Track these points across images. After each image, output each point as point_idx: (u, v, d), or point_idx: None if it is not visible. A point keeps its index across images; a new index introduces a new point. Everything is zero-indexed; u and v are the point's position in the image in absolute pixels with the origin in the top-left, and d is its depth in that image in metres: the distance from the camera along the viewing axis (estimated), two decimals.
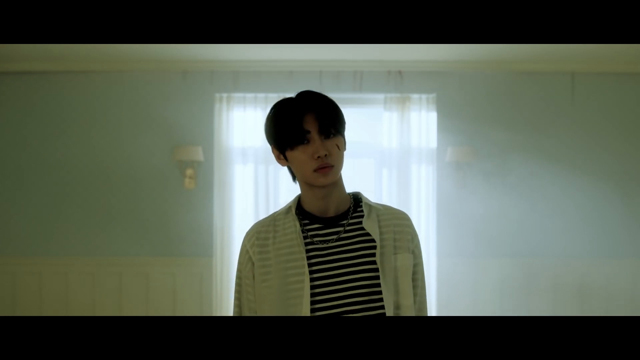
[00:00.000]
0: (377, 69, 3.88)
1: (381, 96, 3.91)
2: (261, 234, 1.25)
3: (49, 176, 3.85)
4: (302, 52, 3.68)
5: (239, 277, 1.27)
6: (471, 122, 3.87)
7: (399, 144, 3.88)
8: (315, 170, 1.18)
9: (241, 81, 3.89)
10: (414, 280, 1.23)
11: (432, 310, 3.85)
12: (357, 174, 4.16)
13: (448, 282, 3.83)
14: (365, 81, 3.91)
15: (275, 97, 3.86)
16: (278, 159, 1.26)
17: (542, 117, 3.88)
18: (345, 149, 1.26)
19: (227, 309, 3.80)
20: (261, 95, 3.88)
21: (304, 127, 1.18)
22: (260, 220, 1.31)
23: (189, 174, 3.83)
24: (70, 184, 3.85)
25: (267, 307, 1.19)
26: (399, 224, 1.23)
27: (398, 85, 3.89)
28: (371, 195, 3.99)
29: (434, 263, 3.85)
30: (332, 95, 3.99)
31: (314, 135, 1.18)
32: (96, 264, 3.81)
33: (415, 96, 3.89)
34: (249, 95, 3.89)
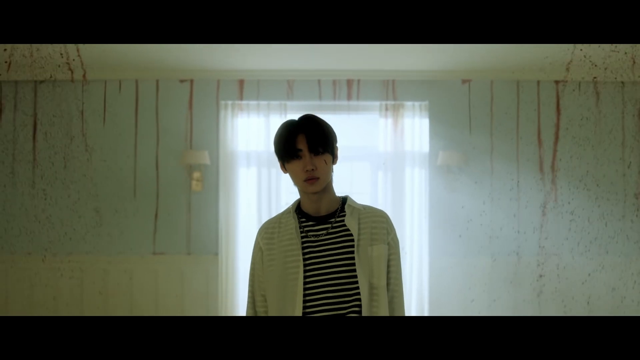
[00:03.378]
0: (372, 78, 4.08)
1: (377, 103, 4.11)
2: (269, 230, 1.54)
3: (65, 179, 4.05)
4: (301, 62, 3.87)
5: (252, 262, 1.56)
6: (461, 128, 4.07)
7: (394, 149, 4.08)
8: (305, 180, 1.46)
9: (245, 89, 4.10)
10: (389, 265, 1.47)
11: (425, 306, 4.04)
12: (355, 176, 4.35)
13: (439, 279, 4.02)
14: (362, 89, 4.11)
15: (276, 105, 4.09)
16: (281, 167, 1.51)
17: (526, 124, 4.07)
18: (335, 163, 1.52)
19: (232, 302, 4.01)
20: (264, 102, 4.08)
21: (297, 146, 1.45)
22: (269, 219, 1.59)
23: (196, 176, 4.03)
24: (86, 187, 4.05)
25: (272, 285, 1.46)
26: (376, 220, 1.48)
27: (392, 93, 4.09)
28: (367, 196, 4.22)
29: (426, 261, 4.05)
30: (330, 103, 4.22)
31: (305, 152, 1.44)
32: (108, 261, 4.02)
33: (408, 104, 4.09)
34: (252, 102, 4.09)
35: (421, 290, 4.05)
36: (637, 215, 4.02)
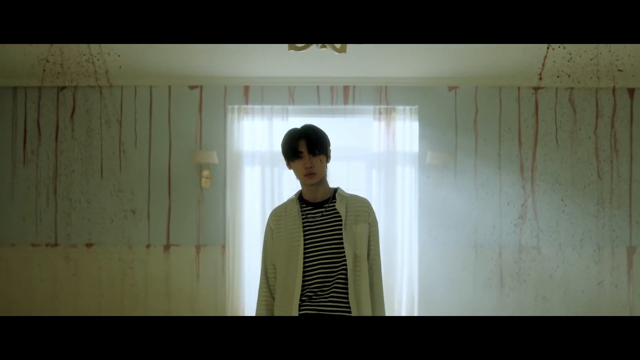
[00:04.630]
0: (367, 84, 4.42)
1: (371, 107, 4.45)
2: (277, 214, 1.95)
3: (82, 177, 4.42)
4: (302, 69, 4.18)
5: (264, 240, 1.96)
6: (447, 130, 4.42)
7: (386, 149, 4.43)
8: (305, 175, 1.84)
9: (250, 95, 4.44)
10: (369, 240, 1.84)
11: (415, 292, 4.39)
12: (351, 174, 4.67)
13: (428, 267, 4.38)
14: (357, 95, 4.45)
15: (279, 109, 4.43)
16: (287, 165, 1.89)
17: (508, 127, 4.42)
18: (328, 161, 1.90)
19: (238, 290, 4.35)
20: (267, 107, 4.43)
21: (299, 149, 1.83)
22: (278, 206, 2.00)
23: (205, 174, 4.38)
24: (105, 182, 4.42)
25: (280, 254, 1.85)
26: (359, 206, 1.86)
27: (385, 98, 4.45)
28: (362, 192, 4.56)
29: (416, 251, 4.40)
30: (328, 107, 4.62)
31: (305, 154, 1.83)
32: (124, 252, 4.38)
33: (400, 108, 4.43)
34: (257, 107, 4.44)
35: (411, 277, 4.40)
36: (605, 210, 4.39)
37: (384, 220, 4.35)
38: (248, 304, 4.37)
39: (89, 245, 4.39)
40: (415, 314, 4.37)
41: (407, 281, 4.40)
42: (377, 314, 1.77)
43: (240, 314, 4.34)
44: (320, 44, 2.35)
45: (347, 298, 1.73)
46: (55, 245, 4.40)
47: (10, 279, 4.39)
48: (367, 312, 1.72)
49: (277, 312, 1.77)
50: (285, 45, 2.56)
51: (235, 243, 4.37)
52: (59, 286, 4.38)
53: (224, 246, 4.37)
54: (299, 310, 1.71)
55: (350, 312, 1.71)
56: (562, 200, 4.39)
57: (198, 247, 4.38)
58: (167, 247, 4.39)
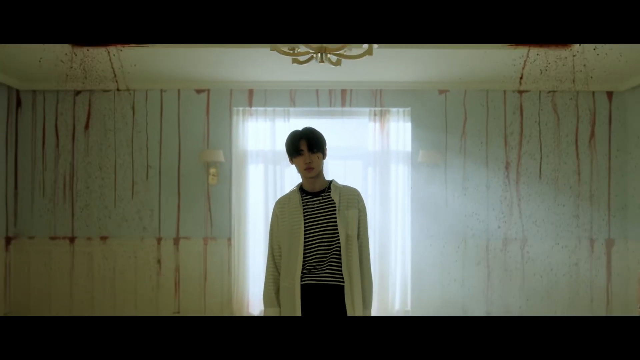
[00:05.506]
0: (363, 88, 4.73)
1: (366, 110, 4.76)
2: (281, 203, 2.27)
3: (97, 174, 4.74)
4: (302, 74, 4.44)
5: (271, 225, 2.27)
6: (438, 131, 4.73)
7: (381, 148, 4.74)
8: (305, 169, 2.16)
9: (254, 98, 4.75)
10: (359, 223, 2.16)
11: (407, 279, 4.71)
12: (348, 172, 4.96)
13: (420, 257, 4.70)
14: (354, 98, 4.76)
15: (281, 111, 4.74)
16: (290, 161, 2.21)
17: (494, 128, 4.74)
18: (324, 158, 2.21)
19: (243, 278, 4.66)
20: (270, 109, 4.74)
21: (300, 147, 2.15)
22: (283, 196, 2.31)
23: (212, 172, 4.69)
24: (119, 180, 4.73)
25: (284, 236, 2.16)
26: (350, 194, 2.18)
27: (380, 101, 4.75)
28: (359, 187, 4.84)
29: (409, 241, 4.71)
30: (326, 109, 4.98)
31: (305, 152, 2.15)
32: (137, 244, 4.70)
33: (393, 110, 4.74)
34: (260, 109, 4.75)
35: (404, 266, 4.72)
36: (585, 206, 4.71)
37: (379, 214, 4.67)
38: (252, 291, 4.69)
39: (103, 238, 4.71)
40: (408, 300, 4.69)
41: (401, 270, 4.72)
42: (366, 284, 2.09)
43: (245, 301, 4.66)
44: (319, 59, 2.65)
45: (341, 270, 2.06)
46: (72, 238, 4.71)
47: (31, 270, 4.71)
48: (357, 282, 2.04)
49: (283, 284, 2.09)
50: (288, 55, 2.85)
51: (240, 236, 4.69)
52: (75, 275, 4.70)
53: (229, 239, 4.69)
54: (301, 281, 2.03)
55: (343, 282, 2.04)
56: (545, 195, 4.71)
57: (206, 240, 4.70)
58: (177, 239, 4.70)
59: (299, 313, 2.01)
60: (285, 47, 2.73)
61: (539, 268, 4.69)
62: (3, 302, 4.60)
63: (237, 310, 4.65)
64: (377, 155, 4.74)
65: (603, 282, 4.68)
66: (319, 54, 2.62)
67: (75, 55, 3.79)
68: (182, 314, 4.67)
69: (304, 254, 2.07)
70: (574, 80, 4.37)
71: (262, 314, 4.35)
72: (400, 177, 4.76)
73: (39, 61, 3.91)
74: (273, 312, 2.10)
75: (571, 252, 4.70)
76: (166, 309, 4.68)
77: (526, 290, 4.69)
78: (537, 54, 3.83)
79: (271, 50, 2.74)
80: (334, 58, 2.80)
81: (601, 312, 4.68)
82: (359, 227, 2.14)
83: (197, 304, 4.69)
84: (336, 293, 2.04)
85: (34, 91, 4.75)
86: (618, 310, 4.62)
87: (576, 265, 4.69)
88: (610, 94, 4.74)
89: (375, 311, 4.64)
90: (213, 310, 4.66)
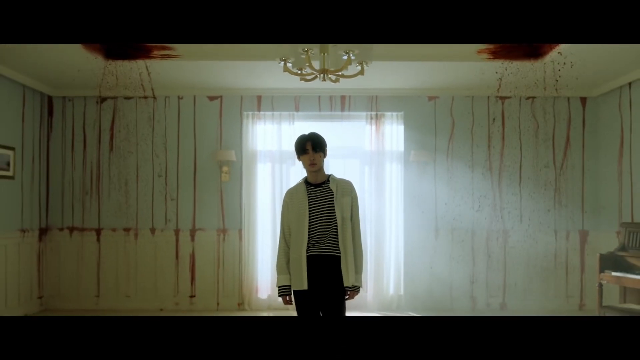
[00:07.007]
0: (360, 94, 5.23)
1: (363, 114, 5.25)
2: (290, 192, 2.75)
3: (121, 173, 5.25)
4: (306, 83, 4.79)
5: (282, 211, 2.74)
6: (428, 133, 5.22)
7: (376, 148, 5.22)
8: (309, 165, 2.65)
9: (262, 103, 5.25)
10: (352, 208, 2.67)
11: (401, 267, 5.20)
12: (347, 169, 5.43)
13: (412, 248, 5.19)
14: (352, 103, 5.25)
15: (286, 115, 5.23)
16: (297, 158, 2.71)
17: (479, 131, 5.23)
18: (325, 157, 2.72)
19: (253, 264, 5.16)
20: (277, 113, 5.23)
21: (306, 148, 2.65)
22: (291, 187, 2.79)
23: (225, 170, 5.19)
24: (141, 177, 5.23)
25: (293, 219, 2.64)
26: (345, 185, 2.69)
27: (375, 106, 5.24)
28: (357, 183, 5.33)
29: (402, 235, 5.21)
30: (327, 113, 5.61)
31: (310, 151, 2.65)
32: (157, 235, 5.20)
33: (388, 114, 5.23)
34: (268, 113, 5.24)
35: (398, 255, 5.21)
36: (562, 201, 5.21)
37: (375, 207, 5.17)
38: (260, 277, 5.20)
39: (126, 229, 5.22)
40: (401, 286, 5.19)
41: (395, 259, 5.21)
42: (357, 255, 2.61)
43: (254, 286, 5.17)
44: (322, 79, 3.17)
45: (338, 244, 2.57)
46: (99, 229, 5.23)
47: (61, 258, 5.24)
48: (350, 253, 2.56)
49: (292, 255, 2.60)
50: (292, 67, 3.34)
51: (250, 227, 5.18)
52: (101, 263, 5.21)
53: (240, 230, 5.19)
54: (307, 253, 2.55)
55: (339, 253, 2.55)
56: (524, 191, 5.20)
57: (219, 231, 5.20)
58: (193, 231, 5.21)
59: (305, 278, 2.53)
60: (294, 69, 3.25)
61: (519, 254, 5.18)
62: (37, 286, 5.12)
63: (247, 293, 5.15)
64: (373, 154, 5.20)
65: (577, 264, 5.17)
66: (321, 75, 3.14)
67: (108, 67, 4.30)
68: (198, 298, 5.17)
69: (309, 232, 2.58)
70: (545, 88, 4.85)
71: (268, 313, 4.82)
72: (394, 174, 5.23)
73: (78, 71, 4.43)
74: (284, 279, 2.62)
75: (548, 241, 5.18)
76: (184, 294, 5.19)
77: (507, 270, 5.19)
78: (511, 64, 4.32)
79: (283, 71, 3.27)
80: (333, 77, 3.33)
81: (576, 289, 5.17)
82: (351, 211, 2.66)
83: (211, 290, 5.20)
84: (334, 261, 2.57)
85: (64, 97, 5.27)
86: (591, 290, 5.11)
87: (553, 251, 5.18)
88: (584, 100, 5.22)
89: (371, 295, 5.15)
90: (226, 293, 5.17)
